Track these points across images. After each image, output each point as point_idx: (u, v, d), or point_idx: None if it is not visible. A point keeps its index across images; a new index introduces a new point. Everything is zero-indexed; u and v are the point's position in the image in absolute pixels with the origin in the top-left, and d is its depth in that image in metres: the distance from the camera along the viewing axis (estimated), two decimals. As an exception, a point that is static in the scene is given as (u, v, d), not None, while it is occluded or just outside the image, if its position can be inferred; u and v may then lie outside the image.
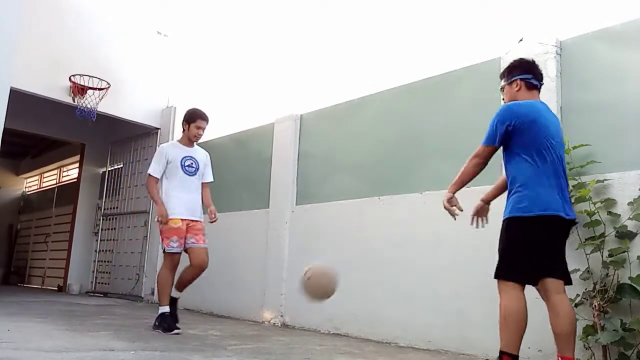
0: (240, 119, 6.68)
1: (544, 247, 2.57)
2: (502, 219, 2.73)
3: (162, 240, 4.11)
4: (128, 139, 8.09)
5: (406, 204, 4.18)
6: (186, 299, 6.41)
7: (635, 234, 2.87)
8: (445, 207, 2.86)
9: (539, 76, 2.82)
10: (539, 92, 2.83)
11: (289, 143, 5.39)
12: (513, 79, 2.81)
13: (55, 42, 6.48)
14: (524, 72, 2.80)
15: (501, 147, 2.73)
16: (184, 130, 4.35)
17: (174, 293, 4.14)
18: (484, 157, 2.74)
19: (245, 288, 5.57)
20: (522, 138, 2.60)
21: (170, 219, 4.05)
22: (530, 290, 3.24)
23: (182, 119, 4.40)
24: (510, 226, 2.65)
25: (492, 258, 3.52)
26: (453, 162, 3.95)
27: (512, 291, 2.60)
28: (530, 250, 2.57)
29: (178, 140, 4.47)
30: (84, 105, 6.60)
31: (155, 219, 4.31)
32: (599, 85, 3.27)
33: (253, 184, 5.83)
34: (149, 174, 4.22)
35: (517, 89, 2.79)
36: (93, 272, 8.39)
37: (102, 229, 8.42)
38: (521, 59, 2.91)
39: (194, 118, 4.30)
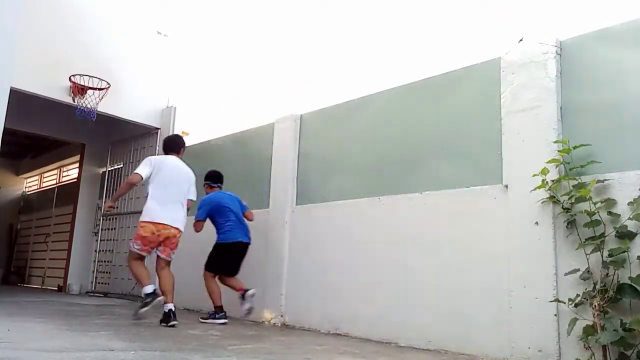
0: (240, 119, 6.68)
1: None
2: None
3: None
4: (128, 139, 8.09)
5: (406, 204, 4.18)
6: (186, 299, 6.41)
7: (635, 234, 2.87)
8: None
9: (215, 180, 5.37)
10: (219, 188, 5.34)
11: (289, 143, 5.38)
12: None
13: (55, 42, 6.48)
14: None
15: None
16: None
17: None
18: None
19: (245, 288, 5.56)
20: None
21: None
22: (530, 290, 3.25)
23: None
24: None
25: (492, 258, 3.54)
26: (453, 162, 3.97)
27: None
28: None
29: None
30: (84, 105, 6.60)
31: None
32: (599, 85, 3.27)
33: (253, 184, 5.82)
34: None
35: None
36: (93, 272, 8.39)
37: (102, 229, 8.42)
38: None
39: None
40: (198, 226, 5.02)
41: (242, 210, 5.18)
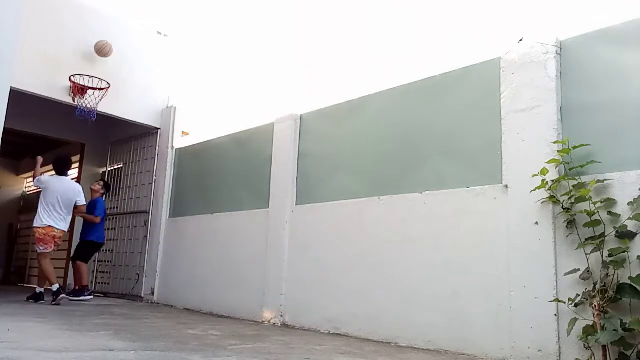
0: (240, 119, 6.68)
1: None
2: None
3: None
4: (128, 139, 8.09)
5: (406, 204, 4.18)
6: (186, 299, 6.41)
7: (635, 234, 2.87)
8: None
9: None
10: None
11: (289, 143, 5.38)
12: None
13: (55, 42, 6.48)
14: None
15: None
16: None
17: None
18: None
19: (245, 288, 5.57)
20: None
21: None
22: (530, 290, 3.25)
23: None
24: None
25: (493, 258, 3.55)
26: (453, 162, 3.97)
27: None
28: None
29: None
30: (84, 105, 6.60)
31: None
32: (599, 85, 3.27)
33: (253, 184, 5.83)
34: None
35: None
36: (93, 272, 8.38)
37: (102, 229, 8.40)
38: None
39: None
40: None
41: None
